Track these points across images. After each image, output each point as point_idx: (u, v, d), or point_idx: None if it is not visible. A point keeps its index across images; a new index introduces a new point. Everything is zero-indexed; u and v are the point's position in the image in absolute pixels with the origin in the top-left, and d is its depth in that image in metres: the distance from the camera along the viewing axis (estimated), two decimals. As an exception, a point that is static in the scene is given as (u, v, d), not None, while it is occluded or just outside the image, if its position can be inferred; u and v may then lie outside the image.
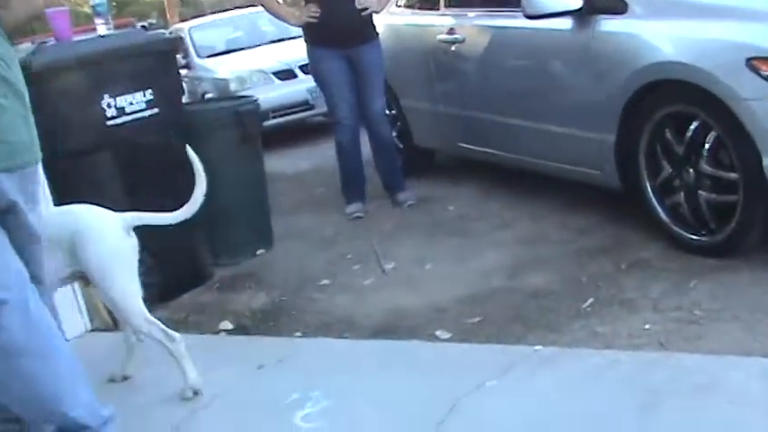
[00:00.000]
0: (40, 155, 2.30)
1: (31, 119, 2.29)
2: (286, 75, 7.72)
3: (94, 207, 2.74)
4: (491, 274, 3.49)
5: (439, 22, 4.84)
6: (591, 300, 3.03)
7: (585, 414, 2.20)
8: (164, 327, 2.67)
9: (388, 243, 4.15)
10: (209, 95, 7.71)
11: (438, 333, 2.97)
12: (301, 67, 7.46)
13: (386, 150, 4.87)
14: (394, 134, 5.17)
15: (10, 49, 2.33)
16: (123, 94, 3.60)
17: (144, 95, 3.68)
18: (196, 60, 8.53)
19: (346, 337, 3.09)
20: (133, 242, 2.73)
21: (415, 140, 5.29)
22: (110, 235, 2.66)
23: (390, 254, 3.96)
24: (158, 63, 3.78)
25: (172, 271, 3.74)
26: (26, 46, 3.74)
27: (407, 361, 2.71)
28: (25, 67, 3.28)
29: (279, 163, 6.30)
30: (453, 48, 4.61)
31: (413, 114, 5.24)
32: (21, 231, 2.17)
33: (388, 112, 5.02)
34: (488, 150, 4.56)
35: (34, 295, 2.13)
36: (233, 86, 7.59)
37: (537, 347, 2.64)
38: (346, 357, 2.83)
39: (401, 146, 5.29)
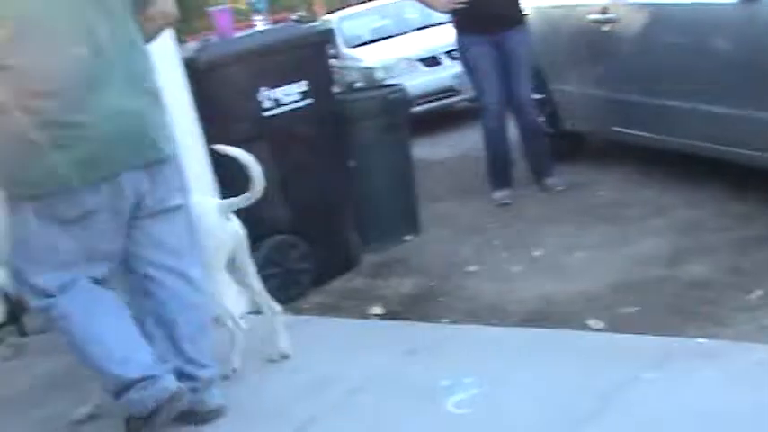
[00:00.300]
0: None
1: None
2: (431, 62, 7.74)
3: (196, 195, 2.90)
4: (646, 263, 3.37)
5: (590, 1, 4.70)
6: (759, 292, 2.87)
7: (754, 410, 2.08)
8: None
9: (536, 229, 4.10)
10: (356, 84, 7.85)
11: (590, 322, 2.91)
12: (446, 54, 7.46)
13: (534, 135, 4.80)
14: (542, 119, 5.08)
15: (149, 59, 2.50)
16: (279, 86, 3.75)
17: (298, 87, 3.81)
18: (344, 50, 8.71)
19: (495, 324, 3.08)
20: (232, 225, 2.94)
21: (565, 125, 5.18)
22: (208, 220, 2.83)
23: (539, 241, 3.91)
24: (312, 55, 3.91)
25: (324, 257, 3.86)
26: (192, 44, 3.96)
27: (559, 350, 2.66)
28: (191, 64, 3.51)
29: (424, 150, 6.33)
30: (606, 27, 4.47)
31: (562, 98, 5.13)
32: None
33: (536, 96, 4.94)
34: (643, 134, 4.39)
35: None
36: (379, 75, 7.69)
37: (700, 340, 2.53)
38: (497, 344, 2.82)
39: (550, 130, 5.19)
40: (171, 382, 2.47)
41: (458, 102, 7.68)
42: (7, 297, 2.57)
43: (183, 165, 2.65)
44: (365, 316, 3.46)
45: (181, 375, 2.57)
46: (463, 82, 7.15)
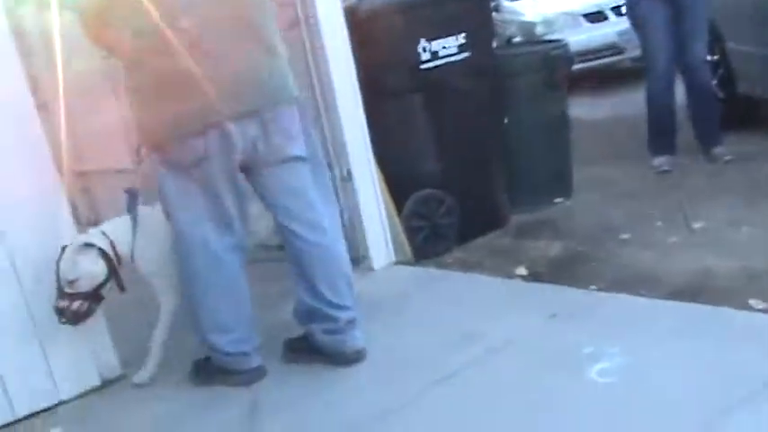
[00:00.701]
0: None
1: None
2: (596, 17, 7.43)
3: None
4: (820, 244, 3.13)
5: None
6: None
7: None
8: None
9: (697, 201, 3.88)
10: (515, 39, 7.68)
11: (752, 302, 2.73)
12: (613, 9, 7.14)
13: (703, 99, 4.52)
14: (713, 82, 4.77)
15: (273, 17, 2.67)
16: (438, 38, 3.71)
17: (457, 39, 3.76)
18: (504, 3, 8.51)
19: (645, 296, 2.96)
20: None
21: (740, 89, 4.82)
22: None
23: (700, 213, 3.70)
24: (473, 7, 3.84)
25: (470, 213, 3.84)
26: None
27: (715, 328, 2.53)
28: (352, 13, 3.54)
29: (582, 109, 6.12)
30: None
31: (740, 59, 4.76)
32: None
33: (709, 57, 4.63)
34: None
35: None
36: (539, 29, 7.48)
37: None
38: (647, 316, 2.71)
39: (721, 95, 4.87)
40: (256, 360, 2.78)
41: (621, 61, 7.35)
42: (105, 254, 2.75)
43: (306, 118, 2.75)
44: (509, 276, 3.42)
45: (321, 317, 2.69)
46: (628, 40, 6.86)
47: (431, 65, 3.73)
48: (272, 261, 3.14)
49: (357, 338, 2.77)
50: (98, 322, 2.95)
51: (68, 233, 2.87)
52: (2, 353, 2.78)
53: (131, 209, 2.80)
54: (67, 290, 2.72)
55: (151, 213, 2.81)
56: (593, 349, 2.49)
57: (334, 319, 2.72)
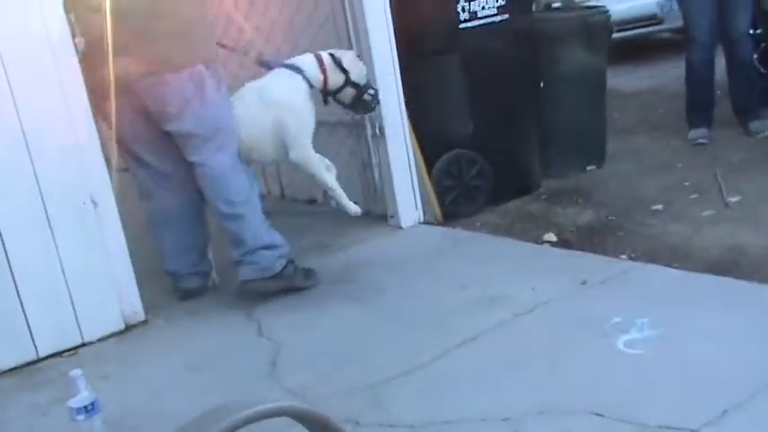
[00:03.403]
0: None
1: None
2: (636, -14, 7.25)
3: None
4: None
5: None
6: None
7: None
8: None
9: (733, 175, 3.81)
10: (555, 4, 7.51)
11: (787, 279, 2.69)
12: (654, -21, 6.97)
13: (744, 73, 4.42)
14: (755, 56, 4.65)
15: None
16: (478, -3, 3.64)
17: (496, 1, 3.68)
18: (543, -33, 8.33)
19: (677, 268, 2.91)
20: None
21: (781, 65, 4.71)
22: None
23: (736, 187, 3.63)
24: (514, -33, 3.75)
25: (502, 176, 3.80)
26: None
27: (748, 303, 2.48)
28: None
29: (619, 79, 6.02)
30: None
31: (783, 34, 4.65)
32: None
33: (751, 31, 4.51)
34: None
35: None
36: (578, -4, 7.31)
37: None
38: (678, 288, 2.67)
39: (762, 70, 4.75)
40: None
41: (660, 31, 7.19)
42: None
43: None
44: (538, 241, 3.38)
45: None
46: (668, 11, 6.71)
47: (469, 25, 3.66)
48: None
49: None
50: (124, 267, 2.96)
51: (100, 180, 2.88)
52: (28, 293, 2.80)
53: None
54: None
55: None
56: (621, 319, 2.46)
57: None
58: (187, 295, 3.19)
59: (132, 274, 3.00)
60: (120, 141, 2.99)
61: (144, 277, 3.07)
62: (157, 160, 3.02)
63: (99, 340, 2.93)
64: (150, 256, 3.17)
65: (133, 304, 3.01)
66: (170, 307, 3.14)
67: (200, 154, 2.91)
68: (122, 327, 2.98)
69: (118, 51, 2.74)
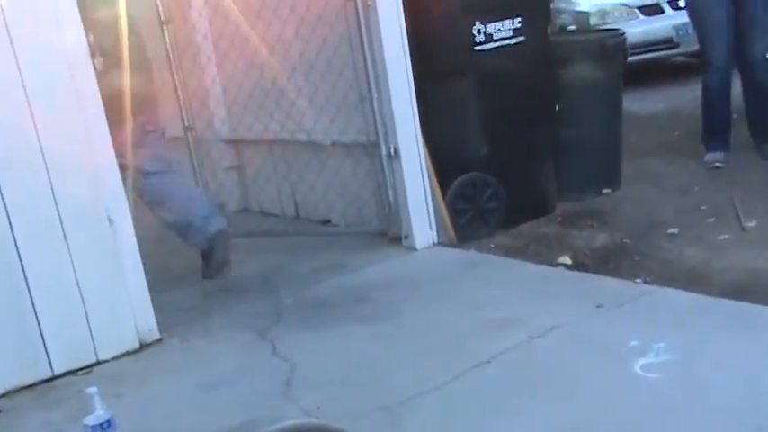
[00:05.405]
0: None
1: None
2: (652, 9, 7.26)
3: None
4: None
5: None
6: None
7: None
8: None
9: (751, 199, 3.78)
10: (569, 28, 7.55)
11: (804, 304, 2.66)
12: (669, 2, 6.98)
13: (761, 97, 4.40)
14: (772, 80, 4.64)
15: None
16: (493, 20, 3.65)
17: (512, 23, 3.70)
18: (559, -8, 8.37)
19: (693, 292, 2.89)
20: None
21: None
22: None
23: (753, 211, 3.61)
24: (531, -9, 3.77)
25: (516, 198, 3.79)
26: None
27: (765, 328, 2.46)
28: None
29: (634, 102, 6.00)
30: None
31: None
32: None
33: (768, 55, 4.52)
34: None
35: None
36: (593, 20, 7.33)
37: None
38: (694, 313, 2.65)
39: (779, 94, 4.73)
40: None
41: (675, 55, 7.20)
42: None
43: None
44: (552, 264, 3.37)
45: None
46: (684, 34, 6.71)
47: (485, 47, 3.67)
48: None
49: None
50: (140, 286, 2.97)
51: (115, 198, 2.90)
52: (44, 309, 2.81)
53: None
54: None
55: None
56: (638, 343, 2.44)
57: None
58: (220, 245, 3.50)
59: (147, 293, 3.00)
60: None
61: (159, 296, 3.08)
62: None
63: (114, 358, 2.93)
64: (166, 276, 3.18)
65: (148, 322, 3.02)
66: (184, 326, 3.14)
67: None
68: (137, 345, 2.98)
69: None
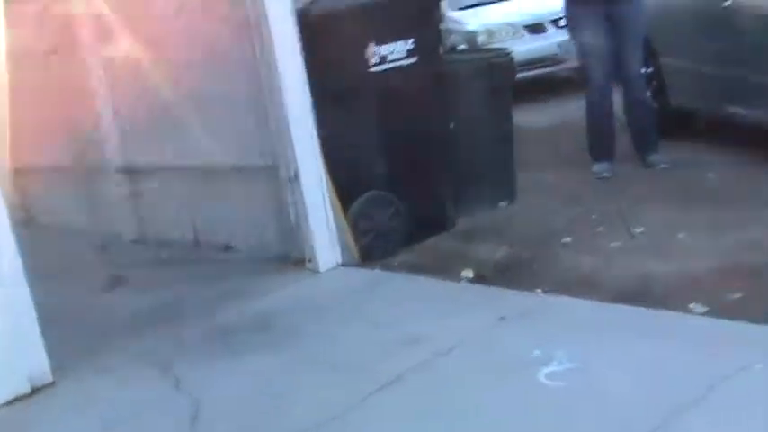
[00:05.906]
0: None
1: None
2: (536, 28, 7.54)
3: None
4: (754, 249, 3.21)
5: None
6: None
7: None
8: None
9: (636, 207, 3.95)
10: (459, 47, 7.72)
11: (692, 306, 2.79)
12: (552, 22, 7.27)
13: (640, 110, 4.65)
14: (648, 93, 4.89)
15: None
16: (387, 42, 3.71)
17: (406, 44, 3.77)
18: (449, 13, 8.56)
19: (590, 299, 2.99)
20: None
21: (672, 101, 4.96)
22: None
23: (639, 218, 3.77)
24: (422, 14, 3.87)
25: (418, 216, 3.84)
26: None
27: (659, 331, 2.58)
28: (304, 15, 3.52)
29: (524, 117, 6.16)
30: (727, 2, 4.24)
31: (673, 73, 4.91)
32: None
33: (644, 69, 4.76)
34: (759, 114, 4.17)
35: None
36: (481, 39, 7.53)
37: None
38: (592, 319, 2.75)
39: (655, 106, 4.99)
40: None
41: (561, 70, 7.48)
42: None
43: None
44: (455, 279, 3.42)
45: None
46: (567, 50, 6.98)
47: (380, 68, 3.72)
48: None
49: None
50: (30, 326, 2.83)
51: (4, 230, 2.76)
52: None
53: None
54: None
55: None
56: (541, 352, 2.51)
57: None
58: None
59: (39, 332, 2.85)
60: None
61: (50, 337, 2.93)
62: None
63: (3, 404, 2.77)
64: (55, 313, 3.04)
65: (40, 365, 2.86)
66: (79, 367, 2.99)
67: None
68: (28, 390, 2.81)
69: None
